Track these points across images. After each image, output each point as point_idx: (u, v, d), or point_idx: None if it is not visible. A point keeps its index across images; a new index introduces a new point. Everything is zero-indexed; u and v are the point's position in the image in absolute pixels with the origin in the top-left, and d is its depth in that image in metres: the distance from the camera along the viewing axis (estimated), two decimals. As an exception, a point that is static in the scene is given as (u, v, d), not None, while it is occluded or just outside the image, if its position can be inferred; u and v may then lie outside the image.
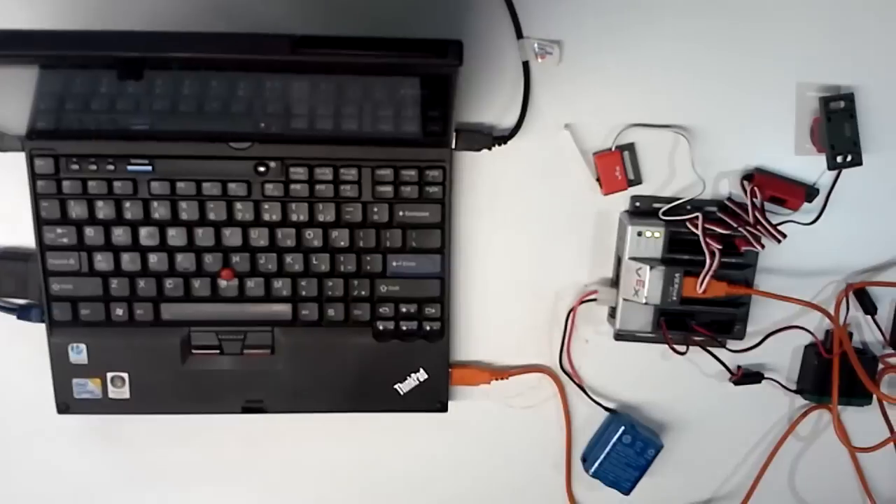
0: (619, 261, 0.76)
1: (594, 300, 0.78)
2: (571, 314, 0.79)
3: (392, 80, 0.69)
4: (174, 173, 0.71)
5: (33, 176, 0.71)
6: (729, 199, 0.76)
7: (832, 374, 0.78)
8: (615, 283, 0.77)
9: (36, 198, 0.71)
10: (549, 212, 0.77)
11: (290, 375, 0.76)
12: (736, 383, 0.80)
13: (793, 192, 0.75)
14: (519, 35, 0.73)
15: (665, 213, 0.75)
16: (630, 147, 0.75)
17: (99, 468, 0.82)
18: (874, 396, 0.80)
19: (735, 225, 0.74)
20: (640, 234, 0.74)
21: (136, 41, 0.61)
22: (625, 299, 0.75)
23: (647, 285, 0.73)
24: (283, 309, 0.75)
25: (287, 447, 0.82)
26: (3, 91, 0.68)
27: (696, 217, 0.73)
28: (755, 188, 0.74)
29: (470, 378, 0.79)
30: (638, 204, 0.76)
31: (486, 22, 0.73)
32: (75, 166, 0.71)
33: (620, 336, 0.77)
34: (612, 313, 0.77)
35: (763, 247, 0.74)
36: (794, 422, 0.83)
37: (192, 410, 0.77)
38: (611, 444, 0.80)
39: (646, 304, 0.74)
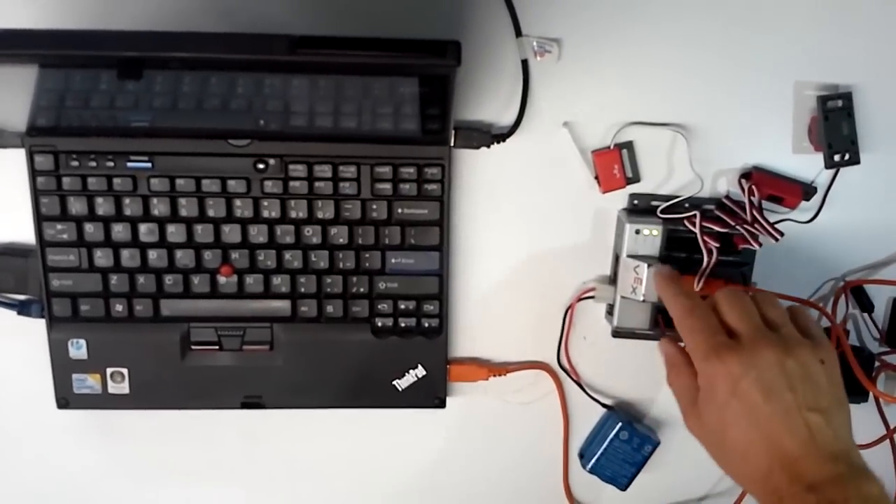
0: (616, 258, 0.76)
1: (592, 297, 0.78)
2: (569, 311, 0.79)
3: (391, 79, 0.69)
4: (174, 170, 0.72)
5: (33, 172, 0.71)
6: (727, 197, 0.76)
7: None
8: (613, 280, 0.77)
9: (36, 194, 0.71)
10: (548, 209, 0.77)
11: (288, 371, 0.76)
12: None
13: (790, 191, 0.76)
14: (518, 33, 0.73)
15: (663, 212, 0.75)
16: (629, 145, 0.76)
17: (98, 463, 0.82)
18: (870, 394, 0.80)
19: (733, 223, 0.74)
20: (637, 231, 0.74)
21: (136, 41, 0.61)
22: (622, 297, 0.75)
23: (644, 283, 0.73)
24: (282, 305, 0.75)
25: (285, 443, 0.82)
26: (3, 88, 0.68)
27: (694, 215, 0.73)
28: (753, 186, 0.74)
29: (468, 374, 0.80)
30: (636, 202, 0.77)
31: (485, 20, 0.73)
32: (75, 163, 0.71)
33: (618, 333, 0.77)
34: (610, 310, 0.78)
35: (760, 245, 0.74)
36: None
37: (192, 406, 0.77)
38: (608, 440, 0.80)
39: (643, 301, 0.74)
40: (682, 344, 0.66)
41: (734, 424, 0.61)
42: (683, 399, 0.66)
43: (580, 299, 0.79)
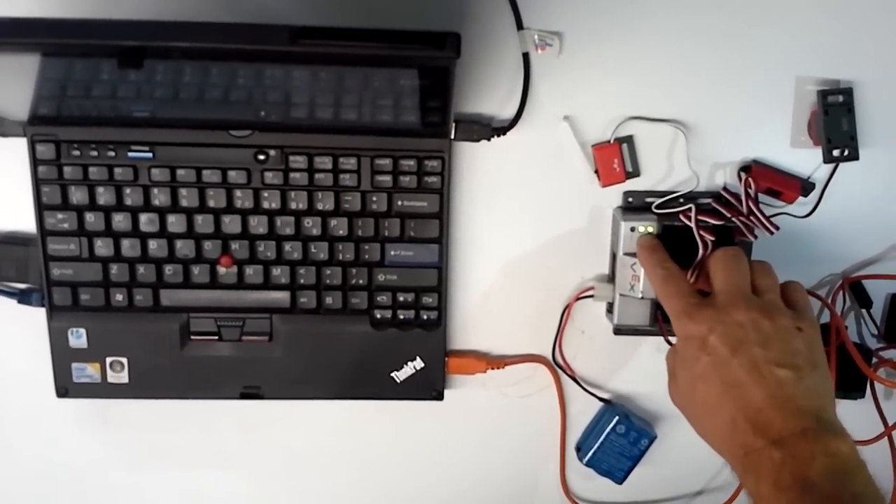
0: (613, 256, 0.76)
1: (591, 297, 0.78)
2: (567, 309, 0.79)
3: (391, 71, 0.69)
4: (174, 160, 0.72)
5: (34, 161, 0.71)
6: (724, 189, 0.76)
7: (829, 366, 0.78)
8: (611, 278, 0.77)
9: (37, 183, 0.71)
10: (548, 203, 0.77)
11: (287, 362, 0.76)
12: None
13: (789, 185, 0.76)
14: (519, 26, 0.73)
15: (658, 207, 0.75)
16: (629, 139, 0.76)
17: (97, 452, 0.82)
18: (867, 390, 0.80)
19: (728, 215, 0.74)
20: (632, 229, 0.74)
21: (137, 30, 0.61)
22: (621, 294, 0.75)
23: (642, 280, 0.74)
24: (282, 296, 0.75)
25: (284, 433, 0.82)
26: (4, 77, 0.69)
27: (689, 209, 0.73)
28: (750, 179, 0.74)
29: (466, 367, 0.80)
30: (630, 199, 0.77)
31: (486, 13, 0.73)
32: (76, 152, 0.71)
33: (619, 331, 0.78)
34: (610, 308, 0.78)
35: (756, 237, 0.74)
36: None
37: (191, 396, 0.77)
38: (605, 433, 0.80)
39: (642, 298, 0.74)
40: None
41: (703, 379, 0.61)
42: (668, 369, 0.67)
43: (579, 298, 0.79)
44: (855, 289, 0.80)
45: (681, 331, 0.64)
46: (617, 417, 0.80)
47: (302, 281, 0.75)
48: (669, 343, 0.76)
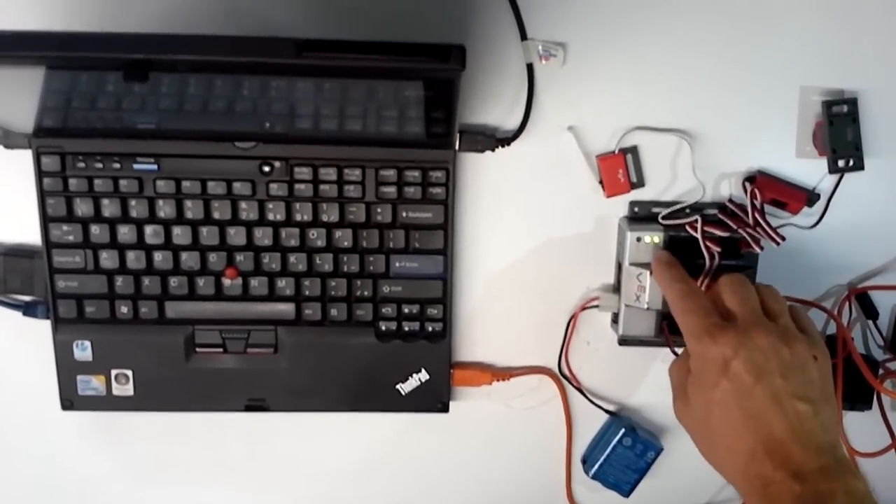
0: (619, 267, 0.76)
1: (597, 307, 0.78)
2: (572, 320, 0.79)
3: (396, 83, 0.69)
4: (179, 172, 0.72)
5: (40, 173, 0.71)
6: (730, 200, 0.76)
7: (836, 378, 0.78)
8: (617, 288, 0.77)
9: (42, 195, 0.72)
10: (552, 213, 0.77)
11: (292, 374, 0.76)
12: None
13: (794, 196, 0.76)
14: (523, 37, 0.73)
15: (664, 218, 0.75)
16: (633, 150, 0.76)
17: (102, 464, 0.82)
18: (873, 401, 0.80)
19: (734, 226, 0.74)
20: (639, 239, 0.74)
21: (142, 43, 0.61)
22: (627, 305, 0.75)
23: (647, 290, 0.73)
24: (287, 308, 0.75)
25: (289, 446, 0.82)
26: (10, 89, 0.69)
27: (696, 220, 0.73)
28: (756, 190, 0.74)
29: (471, 379, 0.79)
30: (636, 209, 0.77)
31: (490, 24, 0.73)
32: (81, 164, 0.71)
33: (625, 341, 0.77)
34: (616, 319, 0.78)
35: (762, 248, 0.74)
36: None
37: (195, 408, 0.77)
38: (611, 446, 0.80)
39: (647, 309, 0.74)
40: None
41: (721, 405, 0.60)
42: (675, 384, 0.66)
43: (584, 308, 0.79)
44: (861, 300, 0.80)
45: (700, 351, 0.62)
46: (623, 429, 0.80)
47: (307, 293, 0.75)
48: (676, 354, 0.75)
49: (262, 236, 0.74)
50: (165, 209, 0.73)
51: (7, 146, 0.71)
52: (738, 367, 0.59)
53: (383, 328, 0.76)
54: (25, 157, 0.71)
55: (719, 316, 0.63)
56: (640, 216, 0.77)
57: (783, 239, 0.74)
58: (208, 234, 0.73)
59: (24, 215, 0.74)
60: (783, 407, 0.58)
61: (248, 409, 0.77)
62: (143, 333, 0.75)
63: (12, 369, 0.79)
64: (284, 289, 0.75)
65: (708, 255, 0.73)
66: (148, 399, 0.76)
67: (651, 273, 0.73)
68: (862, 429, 0.81)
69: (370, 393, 0.77)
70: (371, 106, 0.71)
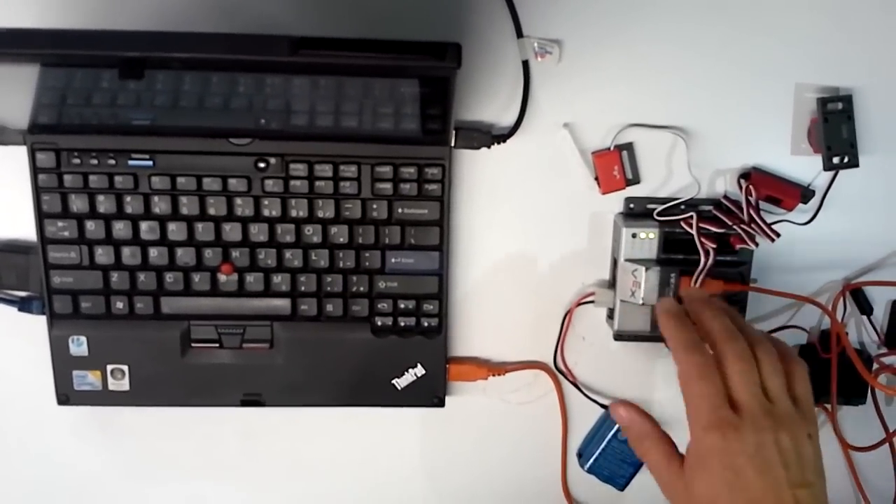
0: (614, 262, 0.76)
1: (592, 302, 0.78)
2: (568, 315, 0.79)
3: (392, 80, 0.69)
4: (175, 168, 0.72)
5: (35, 170, 0.71)
6: (725, 197, 0.76)
7: (831, 373, 0.78)
8: (612, 284, 0.77)
9: (37, 191, 0.72)
10: (548, 210, 0.77)
11: (288, 370, 0.76)
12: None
13: (789, 193, 0.76)
14: (519, 34, 0.73)
15: (659, 214, 0.75)
16: (629, 147, 0.76)
17: (98, 459, 0.82)
18: (867, 396, 0.80)
19: (729, 223, 0.74)
20: (634, 235, 0.74)
21: (137, 41, 0.61)
22: (622, 300, 0.75)
23: (643, 286, 0.74)
24: (283, 304, 0.75)
25: (285, 441, 0.82)
26: (5, 86, 0.69)
27: (691, 216, 0.73)
28: (750, 186, 0.74)
29: (467, 374, 0.80)
30: (632, 206, 0.77)
31: (486, 21, 0.73)
32: (76, 160, 0.71)
33: (620, 337, 0.78)
34: (611, 314, 0.78)
35: (757, 245, 0.74)
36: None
37: (191, 403, 0.77)
38: (606, 440, 0.80)
39: (642, 304, 0.74)
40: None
41: (725, 496, 0.61)
42: (663, 468, 0.65)
43: (580, 304, 0.79)
44: (856, 295, 0.80)
45: (707, 441, 0.61)
46: (618, 424, 0.80)
47: (302, 288, 0.75)
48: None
49: (258, 232, 0.74)
50: (161, 205, 0.72)
51: (2, 142, 0.71)
52: (744, 462, 0.60)
53: (379, 323, 0.77)
54: (20, 153, 0.71)
55: (728, 405, 0.61)
56: (636, 213, 0.77)
57: (778, 235, 0.75)
58: (204, 230, 0.73)
59: (19, 211, 0.74)
60: (785, 497, 0.59)
61: (244, 404, 0.77)
62: (139, 329, 0.75)
63: (8, 365, 0.79)
64: (280, 284, 0.75)
65: (703, 251, 0.73)
66: (144, 394, 0.76)
67: (646, 270, 0.73)
68: (856, 423, 0.82)
69: (366, 388, 0.78)
70: (367, 102, 0.71)
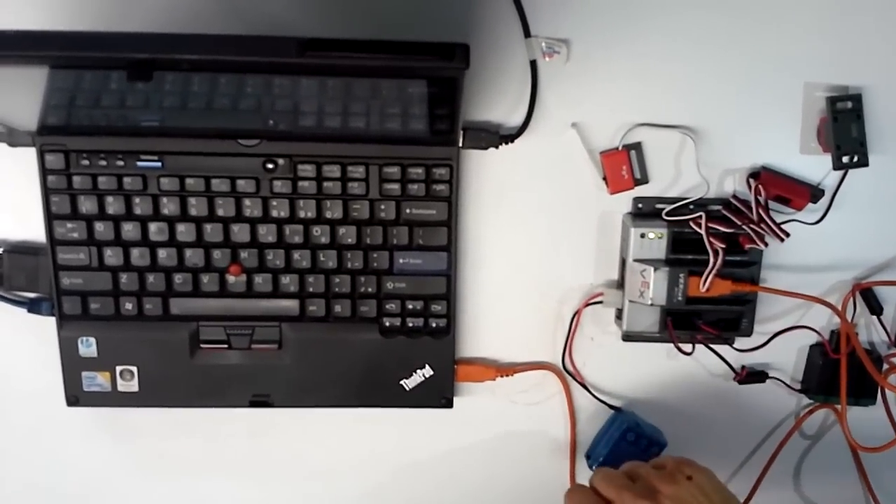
0: (623, 263, 0.76)
1: (600, 302, 0.78)
2: (576, 316, 0.79)
3: (399, 80, 0.69)
4: (183, 169, 0.72)
5: (44, 171, 0.71)
6: (734, 196, 0.76)
7: (840, 373, 0.78)
8: (621, 284, 0.77)
9: (46, 193, 0.72)
10: (556, 210, 0.77)
11: (296, 370, 0.76)
12: (740, 383, 0.80)
13: (798, 192, 0.76)
14: (527, 34, 0.73)
15: (668, 214, 0.75)
16: (637, 146, 0.76)
17: (107, 460, 0.82)
18: (878, 396, 0.80)
19: (739, 223, 0.74)
20: (643, 235, 0.74)
21: (146, 43, 0.61)
22: (630, 301, 0.75)
23: (651, 286, 0.73)
24: (291, 304, 0.76)
25: (293, 441, 0.83)
26: (14, 88, 0.69)
27: (700, 216, 0.73)
28: (760, 186, 0.74)
29: (475, 374, 0.80)
30: (640, 205, 0.77)
31: (493, 20, 0.73)
32: (85, 162, 0.71)
33: (629, 337, 0.78)
34: (619, 315, 0.78)
35: (766, 245, 0.74)
36: (799, 420, 0.83)
37: (200, 404, 0.78)
38: (615, 441, 0.80)
39: (651, 305, 0.74)
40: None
41: None
42: None
43: (588, 304, 0.79)
44: (865, 295, 0.80)
45: None
46: (627, 425, 0.80)
47: (311, 289, 0.75)
48: (680, 350, 0.76)
49: (266, 233, 0.74)
50: (169, 206, 0.73)
51: (11, 144, 0.71)
52: None
53: (387, 324, 0.77)
54: (29, 154, 0.71)
55: None
56: (644, 212, 0.77)
57: (787, 235, 0.75)
58: (212, 231, 0.73)
59: (29, 213, 0.74)
60: None
61: (253, 404, 0.77)
62: (148, 330, 0.75)
63: (17, 366, 0.79)
64: (288, 285, 0.75)
65: (712, 251, 0.73)
66: (153, 395, 0.76)
67: (655, 269, 0.73)
68: (866, 424, 0.81)
69: (374, 389, 0.78)
70: (375, 103, 0.71)
